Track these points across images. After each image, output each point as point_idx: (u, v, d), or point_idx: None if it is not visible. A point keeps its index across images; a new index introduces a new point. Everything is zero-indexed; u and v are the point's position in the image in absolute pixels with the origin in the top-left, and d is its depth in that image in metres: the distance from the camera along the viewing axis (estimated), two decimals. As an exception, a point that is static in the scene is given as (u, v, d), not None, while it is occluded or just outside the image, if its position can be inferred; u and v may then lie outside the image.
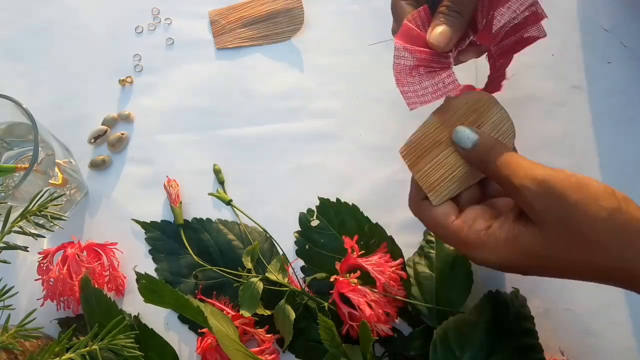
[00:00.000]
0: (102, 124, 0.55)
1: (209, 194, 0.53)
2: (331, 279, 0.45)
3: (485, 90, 0.42)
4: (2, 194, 0.43)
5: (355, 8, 0.57)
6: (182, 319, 0.49)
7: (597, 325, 0.47)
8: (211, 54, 0.57)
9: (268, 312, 0.47)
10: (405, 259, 0.48)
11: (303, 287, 0.48)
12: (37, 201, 0.39)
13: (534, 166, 0.35)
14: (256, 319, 0.48)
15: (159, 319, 0.50)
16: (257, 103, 0.55)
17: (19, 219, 0.39)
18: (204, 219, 0.51)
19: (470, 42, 0.41)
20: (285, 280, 0.48)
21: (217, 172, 0.53)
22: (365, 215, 0.49)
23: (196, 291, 0.49)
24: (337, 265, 0.45)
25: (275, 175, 0.53)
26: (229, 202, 0.52)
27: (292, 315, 0.46)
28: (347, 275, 0.44)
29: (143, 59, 0.58)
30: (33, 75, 0.57)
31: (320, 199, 0.51)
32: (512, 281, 0.48)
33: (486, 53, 0.44)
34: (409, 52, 0.39)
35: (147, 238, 0.51)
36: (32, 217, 0.39)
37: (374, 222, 0.49)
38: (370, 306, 0.43)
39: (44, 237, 0.52)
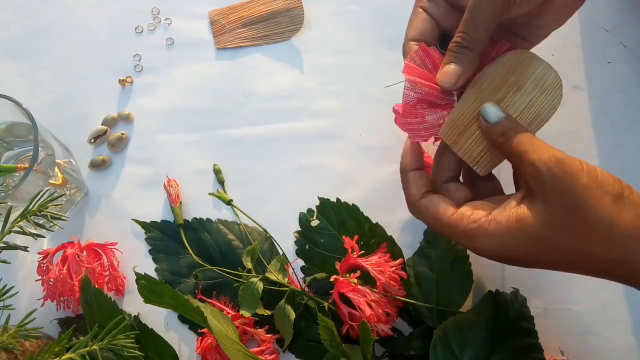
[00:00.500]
0: (102, 124, 0.55)
1: (209, 194, 0.53)
2: (331, 279, 0.45)
3: None
4: (2, 194, 0.43)
5: (355, 8, 0.57)
6: (182, 319, 0.49)
7: (597, 324, 0.47)
8: (211, 54, 0.57)
9: (268, 312, 0.47)
10: (405, 259, 0.48)
11: (303, 287, 0.48)
12: (37, 201, 0.39)
13: (552, 148, 0.35)
14: (256, 319, 0.48)
15: (159, 319, 0.50)
16: (257, 103, 0.55)
17: (19, 219, 0.38)
18: (204, 219, 0.51)
19: None
20: (285, 280, 0.48)
21: (217, 172, 0.53)
22: (366, 215, 0.50)
23: (196, 291, 0.49)
24: (337, 265, 0.45)
25: (275, 175, 0.53)
26: (229, 202, 0.52)
27: (292, 315, 0.46)
28: (347, 275, 0.44)
29: (143, 59, 0.58)
30: (33, 75, 0.57)
31: (320, 199, 0.51)
32: (512, 281, 0.48)
33: None
34: (418, 86, 0.39)
35: (147, 238, 0.51)
36: (32, 217, 0.39)
37: (374, 222, 0.49)
38: (370, 306, 0.43)
39: (44, 237, 0.52)
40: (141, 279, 0.43)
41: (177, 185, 0.52)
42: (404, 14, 0.57)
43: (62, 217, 0.40)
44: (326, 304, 0.46)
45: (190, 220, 0.52)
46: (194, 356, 0.49)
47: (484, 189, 0.41)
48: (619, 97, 0.52)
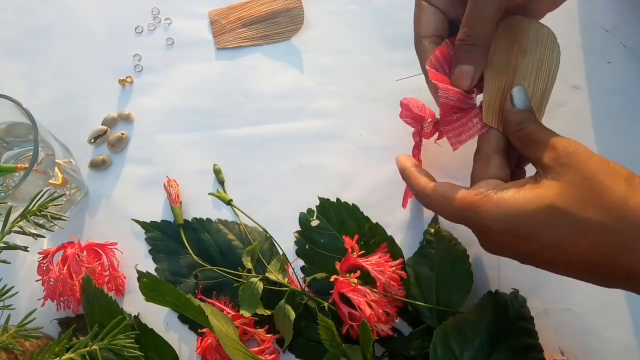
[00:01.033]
0: (102, 124, 0.55)
1: (209, 194, 0.53)
2: (331, 279, 0.45)
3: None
4: (2, 194, 0.43)
5: (355, 8, 0.57)
6: (182, 318, 0.49)
7: (597, 324, 0.47)
8: (211, 54, 0.57)
9: (268, 312, 0.47)
10: (405, 259, 0.48)
11: (303, 287, 0.48)
12: (37, 201, 0.39)
13: (562, 137, 0.36)
14: (256, 319, 0.48)
15: (159, 319, 0.50)
16: (257, 103, 0.55)
17: (19, 219, 0.38)
18: (204, 219, 0.51)
19: None
20: (285, 280, 0.48)
21: (217, 172, 0.53)
22: (365, 215, 0.49)
23: (196, 291, 0.49)
24: (337, 265, 0.45)
25: (275, 175, 0.53)
26: (229, 202, 0.52)
27: (292, 315, 0.46)
28: (347, 275, 0.44)
29: (143, 59, 0.58)
30: (33, 75, 0.57)
31: (320, 199, 0.51)
32: (511, 281, 0.48)
33: None
34: (450, 93, 0.40)
35: (147, 238, 0.51)
36: (32, 217, 0.39)
37: (374, 222, 0.49)
38: (370, 306, 0.43)
39: (44, 237, 0.52)
40: (143, 277, 0.43)
41: (177, 185, 0.52)
42: (404, 14, 0.57)
43: (62, 217, 0.40)
44: (326, 304, 0.46)
45: (190, 220, 0.52)
46: (194, 356, 0.49)
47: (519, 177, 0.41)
48: (619, 97, 0.52)
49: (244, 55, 0.57)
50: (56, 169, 0.47)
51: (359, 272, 0.44)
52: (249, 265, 0.48)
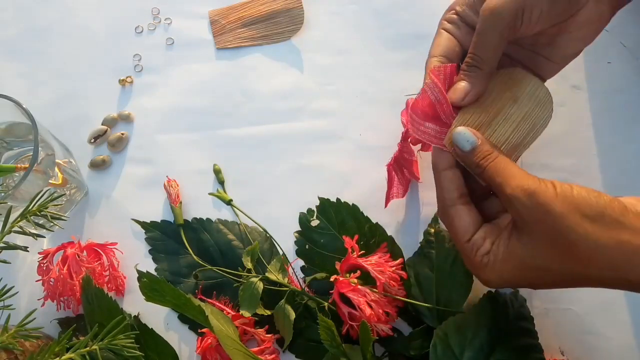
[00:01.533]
0: (102, 124, 0.55)
1: (209, 193, 0.53)
2: (331, 279, 0.45)
3: None
4: (2, 194, 0.43)
5: (355, 8, 0.57)
6: (182, 318, 0.49)
7: (597, 324, 0.47)
8: (211, 54, 0.57)
9: (268, 312, 0.47)
10: (405, 259, 0.48)
11: (303, 287, 0.48)
12: (37, 201, 0.39)
13: (526, 177, 0.36)
14: (256, 319, 0.48)
15: (159, 319, 0.50)
16: (257, 103, 0.55)
17: (19, 219, 0.38)
18: (204, 219, 0.51)
19: None
20: (285, 280, 0.48)
21: (217, 172, 0.53)
22: (366, 215, 0.49)
23: (196, 291, 0.49)
24: (337, 265, 0.45)
25: (275, 175, 0.53)
26: (229, 202, 0.52)
27: (292, 315, 0.46)
28: (347, 275, 0.44)
29: (143, 58, 0.58)
30: (33, 75, 0.57)
31: (320, 199, 0.51)
32: (512, 281, 0.48)
33: None
34: (436, 89, 0.40)
35: (147, 238, 0.51)
36: (32, 217, 0.39)
37: (374, 222, 0.49)
38: (370, 306, 0.43)
39: (44, 237, 0.52)
40: (143, 276, 0.43)
41: (177, 185, 0.52)
42: (405, 14, 0.57)
43: (62, 217, 0.40)
44: (326, 304, 0.46)
45: (190, 220, 0.52)
46: (194, 356, 0.49)
47: (488, 208, 0.41)
48: (619, 97, 0.52)
49: (244, 55, 0.57)
50: (56, 169, 0.47)
51: (359, 272, 0.44)
52: (249, 265, 0.48)
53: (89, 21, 0.59)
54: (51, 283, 0.47)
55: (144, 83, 0.57)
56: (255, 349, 0.46)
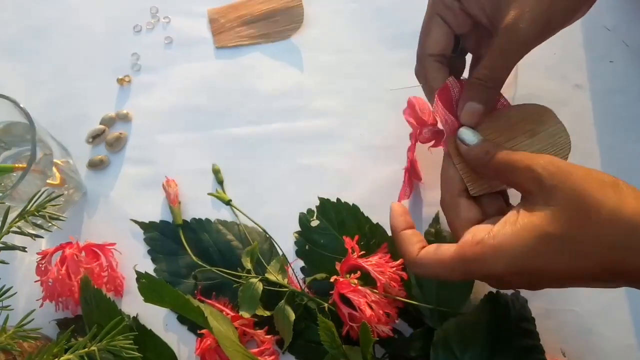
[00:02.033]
0: (100, 124, 0.55)
1: (208, 194, 0.52)
2: (331, 280, 0.45)
3: None
4: (0, 194, 0.43)
5: (355, 7, 0.57)
6: (181, 319, 0.49)
7: (599, 325, 0.47)
8: (210, 52, 0.57)
9: (268, 313, 0.47)
10: (406, 260, 0.48)
11: (303, 287, 0.48)
12: (35, 201, 0.39)
13: (537, 154, 0.36)
14: (256, 319, 0.47)
15: (158, 319, 0.49)
16: (257, 102, 0.55)
17: (17, 219, 0.38)
18: (203, 219, 0.51)
19: None
20: (285, 281, 0.48)
21: (216, 172, 0.53)
22: (366, 215, 0.49)
23: (195, 292, 0.49)
24: (338, 266, 0.45)
25: (275, 175, 0.53)
26: (228, 202, 0.52)
27: (292, 316, 0.46)
28: (348, 275, 0.44)
29: (141, 58, 0.57)
30: (31, 75, 0.57)
31: (320, 199, 0.50)
32: (513, 282, 0.47)
33: None
34: (439, 113, 0.40)
35: (146, 238, 0.51)
36: (30, 218, 0.38)
37: (375, 222, 0.49)
38: (370, 307, 0.42)
39: (42, 237, 0.52)
40: (142, 277, 0.43)
41: (176, 185, 0.52)
42: (405, 13, 0.57)
43: (61, 218, 0.40)
44: (326, 304, 0.46)
45: (189, 221, 0.51)
46: (193, 357, 0.48)
47: (490, 209, 0.39)
48: (621, 96, 0.52)
49: (243, 54, 0.57)
50: (54, 169, 0.47)
51: (359, 272, 0.44)
52: (249, 265, 0.48)
53: (88, 20, 0.59)
54: (49, 284, 0.47)
55: (142, 82, 0.57)
56: (255, 350, 0.45)
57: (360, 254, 0.45)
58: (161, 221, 0.52)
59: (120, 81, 0.56)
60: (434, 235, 0.48)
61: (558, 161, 0.34)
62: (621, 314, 0.47)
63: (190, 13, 0.58)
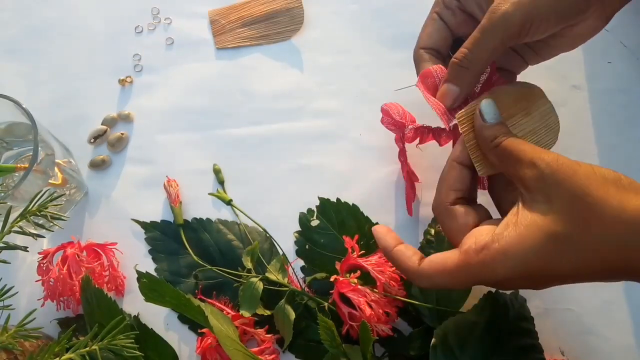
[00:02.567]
0: (101, 124, 0.55)
1: (209, 193, 0.52)
2: (331, 279, 0.45)
3: None
4: (2, 194, 0.43)
5: (355, 8, 0.57)
6: (182, 319, 0.49)
7: (598, 324, 0.47)
8: (211, 53, 0.57)
9: (268, 312, 0.47)
10: (406, 259, 0.48)
11: (303, 287, 0.48)
12: (37, 201, 0.39)
13: (544, 149, 0.35)
14: (256, 319, 0.48)
15: (159, 319, 0.50)
16: (257, 103, 0.55)
17: (18, 219, 0.38)
18: (204, 219, 0.51)
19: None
20: (285, 280, 0.48)
21: (217, 172, 0.53)
22: (366, 215, 0.49)
23: (196, 291, 0.49)
24: (337, 265, 0.45)
25: (275, 175, 0.53)
26: (228, 202, 0.52)
27: (292, 315, 0.46)
28: (347, 275, 0.44)
29: (143, 58, 0.58)
30: (33, 75, 0.57)
31: (320, 199, 0.51)
32: (512, 281, 0.48)
33: None
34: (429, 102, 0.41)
35: (147, 238, 0.51)
36: (31, 217, 0.39)
37: (374, 222, 0.49)
38: (370, 306, 0.43)
39: (44, 237, 0.52)
40: (142, 277, 0.43)
41: (177, 185, 0.52)
42: (405, 14, 0.57)
43: (62, 217, 0.40)
44: (326, 304, 0.46)
45: (190, 220, 0.52)
46: (193, 356, 0.49)
47: (485, 211, 0.39)
48: (619, 97, 0.52)
49: (244, 55, 0.57)
50: (56, 169, 0.47)
51: (359, 272, 0.44)
52: (249, 265, 0.48)
53: (89, 21, 0.59)
54: (51, 283, 0.47)
55: (143, 83, 0.57)
56: (255, 349, 0.46)
57: (360, 253, 0.45)
58: (162, 221, 0.52)
59: (122, 82, 0.57)
60: (434, 236, 0.48)
61: (562, 158, 0.34)
62: (620, 313, 0.47)
63: (191, 14, 0.59)
